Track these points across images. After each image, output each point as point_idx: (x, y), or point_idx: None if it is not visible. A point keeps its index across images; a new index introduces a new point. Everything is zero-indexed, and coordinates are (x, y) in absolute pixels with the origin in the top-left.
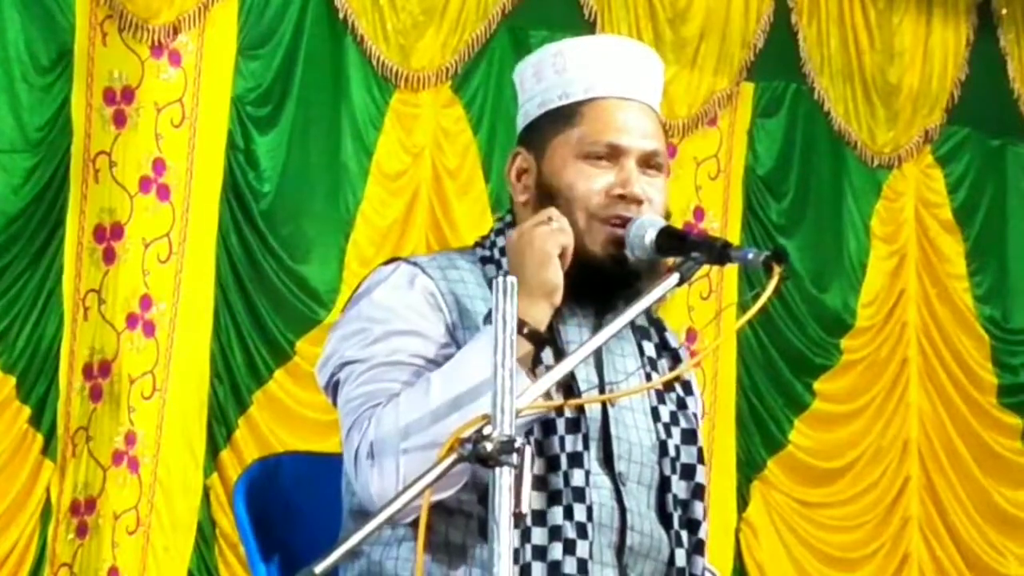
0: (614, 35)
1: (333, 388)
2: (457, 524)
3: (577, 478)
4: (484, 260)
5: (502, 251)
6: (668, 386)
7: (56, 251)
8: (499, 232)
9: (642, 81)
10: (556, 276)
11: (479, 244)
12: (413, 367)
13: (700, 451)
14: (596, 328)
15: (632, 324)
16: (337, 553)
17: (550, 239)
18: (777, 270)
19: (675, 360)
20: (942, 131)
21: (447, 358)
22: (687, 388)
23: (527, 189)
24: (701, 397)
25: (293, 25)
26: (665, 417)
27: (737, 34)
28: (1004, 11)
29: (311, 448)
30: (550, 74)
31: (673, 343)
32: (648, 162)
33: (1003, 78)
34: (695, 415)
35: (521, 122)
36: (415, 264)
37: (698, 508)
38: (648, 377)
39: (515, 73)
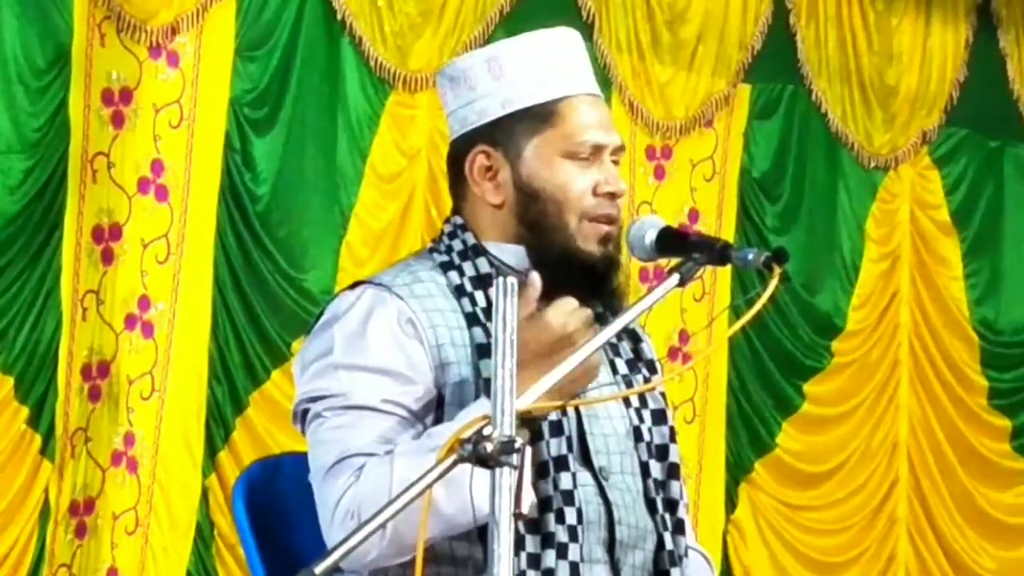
0: (550, 28)
1: (302, 417)
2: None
3: (565, 481)
4: (444, 266)
5: (461, 255)
6: (633, 368)
7: (54, 252)
8: (452, 235)
9: (590, 73)
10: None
11: (433, 249)
12: (394, 416)
13: (672, 430)
14: None
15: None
16: (338, 553)
17: (589, 376)
18: (778, 270)
19: (634, 341)
20: (940, 132)
21: (427, 405)
22: (650, 366)
23: (499, 189)
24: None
25: (290, 26)
26: (635, 402)
27: (735, 36)
28: (1004, 12)
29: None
30: (511, 72)
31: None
32: (616, 156)
33: (1002, 79)
34: (662, 394)
35: (474, 119)
36: (381, 285)
37: (674, 487)
38: (612, 364)
39: (454, 69)
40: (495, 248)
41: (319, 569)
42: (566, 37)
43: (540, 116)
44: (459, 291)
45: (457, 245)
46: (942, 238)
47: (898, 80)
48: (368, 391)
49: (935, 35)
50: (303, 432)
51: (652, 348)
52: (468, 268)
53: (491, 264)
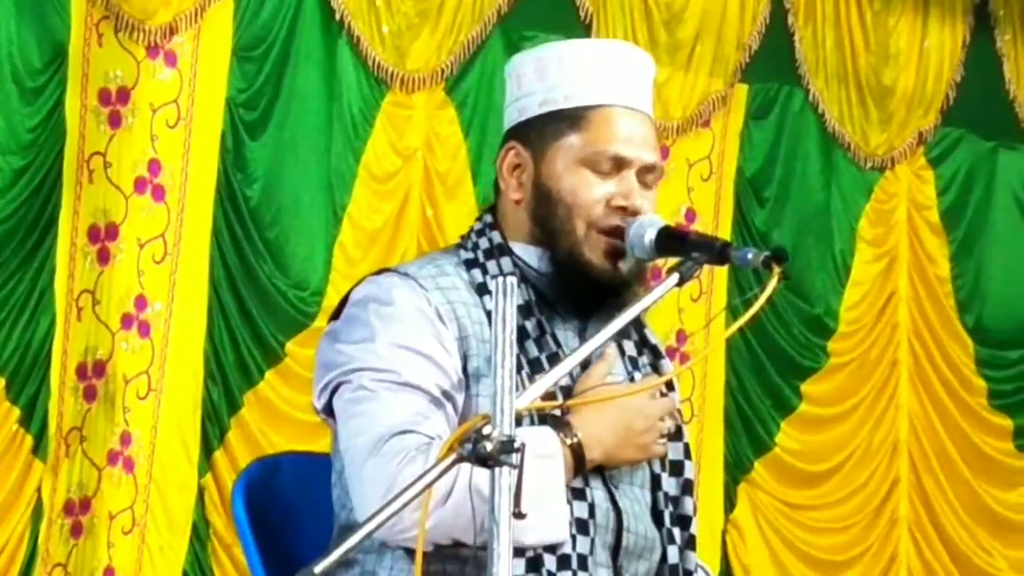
0: (618, 40)
1: (332, 391)
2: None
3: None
4: (469, 264)
5: (486, 253)
6: None
7: (48, 252)
8: (480, 233)
9: (643, 91)
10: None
11: (461, 245)
12: (430, 396)
13: (687, 447)
14: (582, 333)
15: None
16: (337, 553)
17: (656, 450)
18: (777, 270)
19: (655, 357)
20: (936, 133)
21: (458, 390)
22: (669, 384)
23: (521, 187)
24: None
25: (287, 26)
26: None
27: (733, 36)
28: (1001, 12)
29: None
30: (554, 73)
31: (652, 339)
32: (646, 175)
33: (999, 80)
34: (679, 410)
35: (515, 116)
36: (407, 275)
37: (688, 504)
38: (631, 377)
39: (511, 65)
40: (520, 249)
41: (319, 568)
42: (622, 50)
43: (570, 120)
44: (481, 289)
45: (483, 243)
46: (934, 238)
47: (895, 80)
48: (414, 370)
49: (932, 35)
50: (327, 407)
51: (671, 364)
52: (492, 267)
53: (515, 264)
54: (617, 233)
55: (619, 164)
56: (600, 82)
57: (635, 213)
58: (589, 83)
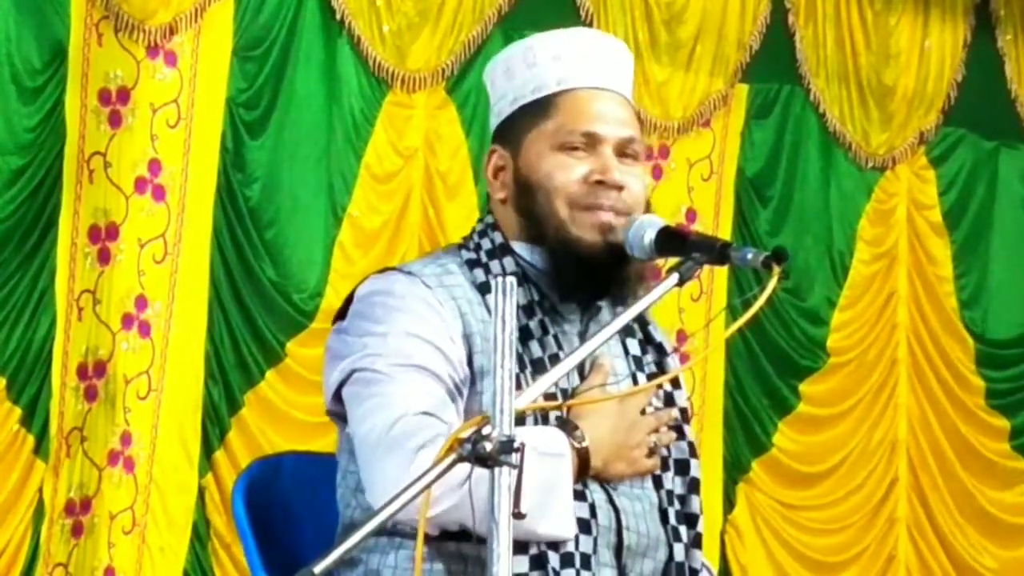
0: (583, 27)
1: (343, 379)
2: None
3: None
4: (471, 263)
5: (488, 253)
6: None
7: (48, 252)
8: (482, 234)
9: (614, 71)
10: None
11: (463, 246)
12: (442, 382)
13: (691, 445)
14: (583, 335)
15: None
16: (337, 553)
17: (644, 465)
18: (777, 270)
19: (660, 354)
20: (937, 132)
21: (465, 384)
22: (674, 382)
23: (505, 186)
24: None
25: (288, 26)
26: None
27: (733, 36)
28: (1002, 12)
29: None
30: (521, 70)
31: (657, 336)
32: (624, 150)
33: (1000, 80)
34: (683, 409)
35: (494, 121)
36: (411, 274)
37: (695, 502)
38: (634, 377)
39: (485, 73)
40: (520, 248)
41: (318, 569)
42: (587, 36)
43: (540, 109)
44: (483, 288)
45: (486, 244)
46: (935, 238)
47: (896, 80)
48: (426, 356)
49: (933, 35)
50: (336, 397)
51: (677, 361)
52: (495, 267)
53: (517, 264)
54: (600, 207)
55: (592, 141)
56: (565, 68)
57: (616, 187)
58: (555, 71)
